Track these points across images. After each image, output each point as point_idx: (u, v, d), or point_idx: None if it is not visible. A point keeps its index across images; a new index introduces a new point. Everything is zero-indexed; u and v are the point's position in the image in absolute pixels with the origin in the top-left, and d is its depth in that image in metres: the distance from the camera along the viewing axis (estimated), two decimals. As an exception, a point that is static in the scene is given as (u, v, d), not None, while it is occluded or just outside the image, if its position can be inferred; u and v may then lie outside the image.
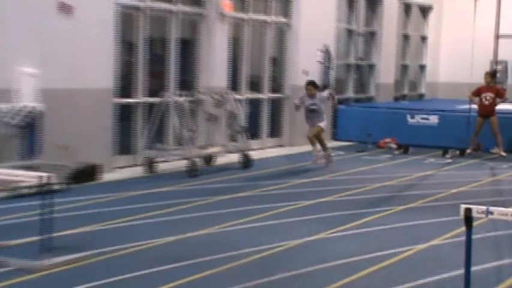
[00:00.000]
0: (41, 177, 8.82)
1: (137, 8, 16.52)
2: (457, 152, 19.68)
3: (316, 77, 22.00)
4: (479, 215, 7.13)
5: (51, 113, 13.73)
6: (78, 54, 14.65)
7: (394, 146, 20.54)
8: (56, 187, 9.88)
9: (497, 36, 24.54)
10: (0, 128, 13.21)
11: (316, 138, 17.62)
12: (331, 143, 21.89)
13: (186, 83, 18.02)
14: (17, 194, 12.41)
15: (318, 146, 17.69)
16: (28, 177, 9.59)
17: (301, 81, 21.39)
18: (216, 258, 9.00)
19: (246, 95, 20.03)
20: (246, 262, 8.96)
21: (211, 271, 8.50)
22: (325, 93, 18.09)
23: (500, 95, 19.97)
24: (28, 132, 13.57)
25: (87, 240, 9.75)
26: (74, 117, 14.49)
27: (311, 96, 17.35)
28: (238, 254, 9.23)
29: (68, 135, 14.17)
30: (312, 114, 17.47)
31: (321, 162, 17.55)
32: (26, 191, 12.19)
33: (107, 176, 14.74)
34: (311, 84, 17.64)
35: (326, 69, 22.45)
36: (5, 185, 12.36)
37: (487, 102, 19.77)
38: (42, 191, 8.79)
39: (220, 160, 17.03)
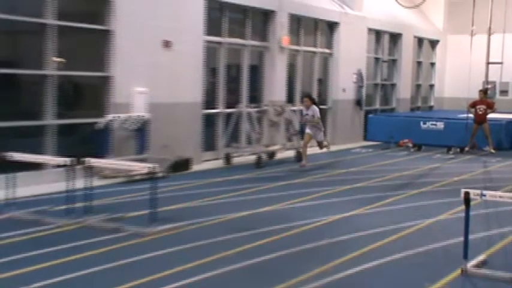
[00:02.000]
0: (149, 167, 8.97)
1: (219, 43, 16.61)
2: (458, 150, 19.47)
3: (352, 93, 22.02)
4: (475, 197, 7.15)
5: (156, 120, 13.89)
6: (176, 78, 14.77)
7: (410, 145, 20.31)
8: (159, 175, 9.99)
9: (488, 63, 24.26)
10: (121, 131, 13.40)
11: (306, 146, 15.81)
12: (363, 143, 21.87)
13: (254, 98, 18.03)
14: (133, 180, 12.58)
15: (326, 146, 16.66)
16: (140, 167, 9.72)
17: (341, 96, 21.48)
18: (278, 228, 9.06)
19: (299, 106, 20.02)
20: (300, 231, 9.00)
21: (274, 237, 8.58)
22: (315, 107, 15.77)
23: (490, 107, 19.80)
24: (140, 135, 13.74)
25: (182, 214, 9.83)
26: (173, 124, 14.61)
27: (307, 107, 15.78)
28: (294, 225, 9.28)
29: (168, 137, 14.31)
30: (307, 122, 15.88)
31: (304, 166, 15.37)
32: (138, 177, 12.35)
33: (196, 167, 14.79)
34: (308, 96, 16.37)
35: (359, 87, 22.34)
36: (124, 172, 12.58)
37: (480, 112, 19.60)
38: (150, 178, 8.93)
39: (280, 155, 17.00)
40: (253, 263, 7.38)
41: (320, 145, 16.34)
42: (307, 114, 15.78)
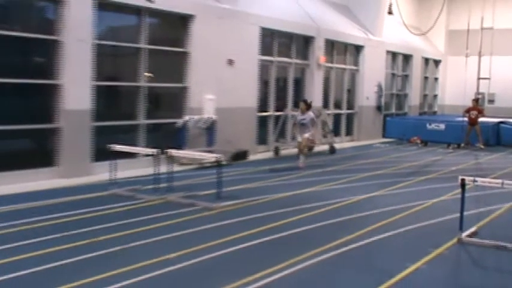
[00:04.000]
0: (216, 157, 9.06)
1: (270, 61, 16.60)
2: (456, 146, 19.24)
3: (374, 101, 21.84)
4: (469, 182, 7.10)
5: (221, 121, 13.98)
6: (237, 88, 14.82)
7: (418, 141, 20.16)
8: (224, 163, 10.04)
9: (479, 78, 23.90)
10: (195, 129, 13.52)
11: (306, 146, 13.94)
12: (381, 140, 21.67)
13: (298, 104, 17.98)
14: (203, 166, 12.70)
15: (302, 157, 13.53)
16: (209, 157, 9.83)
17: (365, 103, 21.32)
18: (314, 206, 9.07)
19: (333, 110, 19.93)
20: (332, 208, 8.99)
21: (310, 213, 8.59)
22: (312, 113, 13.68)
23: (481, 112, 19.58)
24: (209, 132, 13.83)
25: (241, 193, 9.87)
26: (234, 124, 14.66)
27: (302, 112, 13.60)
28: (328, 203, 9.27)
29: (230, 134, 14.39)
30: (302, 126, 13.57)
31: (303, 166, 13.32)
32: (208, 164, 12.46)
33: (252, 157, 14.82)
34: (304, 102, 13.92)
35: (379, 96, 22.13)
36: (197, 161, 12.70)
37: (473, 116, 19.33)
38: (217, 165, 9.01)
39: (317, 149, 16.97)
40: (295, 232, 7.41)
41: (307, 142, 13.96)
42: (303, 119, 13.61)
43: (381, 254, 6.64)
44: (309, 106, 13.74)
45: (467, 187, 7.17)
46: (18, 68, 10.72)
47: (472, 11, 22.13)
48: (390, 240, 7.18)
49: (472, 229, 7.49)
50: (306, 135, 13.61)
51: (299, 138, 13.77)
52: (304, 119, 13.60)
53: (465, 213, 7.26)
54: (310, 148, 15.32)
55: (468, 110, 19.68)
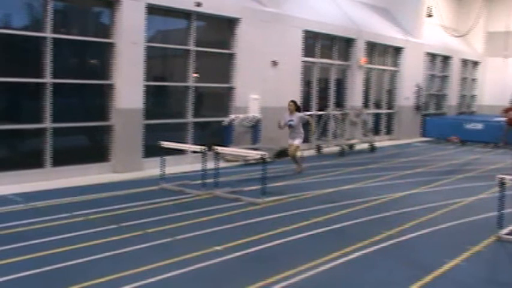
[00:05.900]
0: (261, 154, 9.01)
1: (313, 63, 16.48)
2: (494, 145, 18.86)
3: (413, 101, 21.46)
4: (508, 181, 6.94)
5: (265, 119, 13.94)
6: (281, 88, 14.75)
7: (457, 140, 19.78)
8: (268, 160, 10.00)
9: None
10: (240, 127, 13.52)
11: (294, 154, 12.01)
12: (420, 139, 21.29)
13: (339, 103, 17.81)
14: (248, 163, 12.69)
15: (296, 163, 12.07)
16: (254, 154, 9.77)
17: (404, 103, 20.97)
18: (354, 202, 8.96)
19: (373, 110, 19.66)
20: (372, 205, 8.86)
21: (351, 209, 8.48)
22: (303, 114, 12.24)
23: None
24: (253, 130, 13.82)
25: (285, 189, 9.84)
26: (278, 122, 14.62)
27: (291, 112, 11.98)
28: (368, 200, 9.15)
29: (274, 132, 14.33)
30: (291, 129, 12.00)
31: (300, 171, 11.86)
32: (253, 161, 12.44)
33: (295, 154, 14.80)
34: (293, 102, 12.16)
35: (418, 96, 21.76)
36: (242, 157, 12.69)
37: (511, 116, 18.90)
38: (261, 162, 8.97)
39: (358, 147, 16.77)
40: (337, 227, 7.33)
41: (296, 150, 12.07)
42: (291, 120, 12.01)
43: (420, 249, 6.49)
44: (298, 107, 12.22)
45: (505, 185, 6.97)
46: (76, 69, 10.94)
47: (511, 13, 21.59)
48: (429, 237, 7.02)
49: (511, 227, 7.26)
50: (296, 142, 12.00)
51: (289, 141, 12.17)
52: (291, 121, 12.01)
53: (504, 211, 7.06)
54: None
55: (506, 110, 19.24)
